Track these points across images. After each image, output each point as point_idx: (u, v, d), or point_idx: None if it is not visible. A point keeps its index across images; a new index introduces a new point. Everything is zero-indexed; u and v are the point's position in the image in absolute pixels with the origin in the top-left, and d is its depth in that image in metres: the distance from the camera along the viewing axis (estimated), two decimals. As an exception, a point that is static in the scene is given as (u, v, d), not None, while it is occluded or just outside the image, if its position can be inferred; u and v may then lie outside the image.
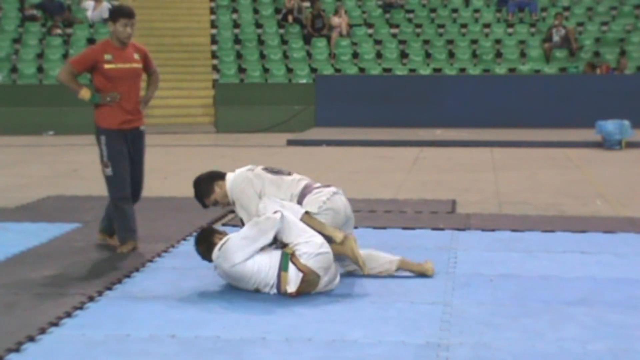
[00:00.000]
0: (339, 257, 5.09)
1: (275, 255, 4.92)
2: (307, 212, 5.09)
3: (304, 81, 18.43)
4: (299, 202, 5.18)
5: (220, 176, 5.41)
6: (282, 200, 5.13)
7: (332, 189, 5.31)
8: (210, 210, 7.62)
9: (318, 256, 4.84)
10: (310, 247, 4.85)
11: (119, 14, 6.00)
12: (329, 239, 5.02)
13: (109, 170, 5.98)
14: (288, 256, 4.88)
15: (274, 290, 4.89)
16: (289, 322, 4.44)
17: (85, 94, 5.93)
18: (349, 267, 5.28)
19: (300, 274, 4.81)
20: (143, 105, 6.20)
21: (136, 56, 6.11)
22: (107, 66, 5.93)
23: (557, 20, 19.19)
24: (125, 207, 6.05)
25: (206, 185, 5.40)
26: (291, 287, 4.83)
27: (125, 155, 6.02)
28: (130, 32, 6.00)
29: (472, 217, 7.47)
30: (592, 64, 18.14)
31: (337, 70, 18.80)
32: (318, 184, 5.36)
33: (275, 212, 4.94)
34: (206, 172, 5.53)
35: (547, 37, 19.08)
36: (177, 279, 5.33)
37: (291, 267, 4.84)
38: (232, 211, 7.67)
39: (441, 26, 20.17)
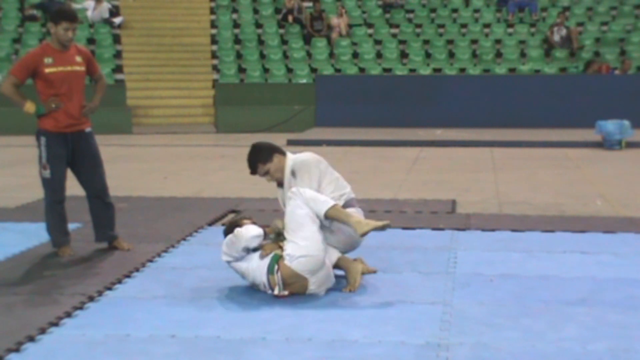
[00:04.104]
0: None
1: (268, 257, 4.94)
2: (333, 206, 5.03)
3: (304, 81, 18.43)
4: (344, 207, 5.23)
5: (281, 151, 5.38)
6: (318, 194, 5.10)
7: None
8: (210, 210, 7.66)
9: (301, 258, 4.83)
10: (294, 249, 4.85)
11: (61, 16, 5.76)
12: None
13: (46, 173, 5.87)
14: (276, 258, 4.89)
15: (269, 291, 4.91)
16: (289, 322, 4.44)
17: (30, 107, 5.78)
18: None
19: (281, 279, 4.85)
20: (87, 112, 5.97)
21: (78, 59, 5.90)
22: (47, 70, 5.75)
23: (559, 19, 19.18)
24: (61, 210, 5.98)
25: (267, 152, 5.33)
26: (277, 290, 4.86)
27: (63, 159, 5.91)
28: (72, 37, 5.79)
29: (472, 217, 7.47)
30: (588, 64, 18.13)
31: (337, 70, 18.80)
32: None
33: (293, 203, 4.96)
34: (267, 142, 5.49)
35: (550, 38, 19.00)
36: (177, 279, 5.33)
37: (277, 271, 4.86)
38: (233, 211, 7.73)
39: (441, 26, 20.17)
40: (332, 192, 5.27)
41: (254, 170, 5.38)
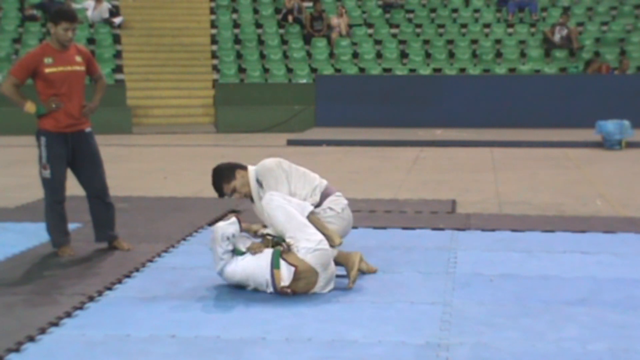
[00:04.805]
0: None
1: (267, 254, 4.94)
2: (312, 211, 5.14)
3: (304, 81, 18.43)
4: (322, 199, 5.36)
5: (242, 166, 5.43)
6: (292, 197, 5.19)
7: (345, 200, 5.54)
8: (210, 210, 7.67)
9: (316, 252, 4.85)
10: (310, 243, 4.87)
11: (61, 16, 5.76)
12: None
13: (47, 173, 5.86)
14: (279, 253, 4.90)
15: (271, 289, 4.90)
16: (289, 322, 4.44)
17: (30, 107, 5.77)
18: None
19: (292, 269, 4.82)
20: (87, 112, 5.96)
21: (78, 58, 5.89)
22: (47, 70, 5.74)
23: (561, 19, 19.16)
24: (61, 210, 5.97)
25: (227, 172, 5.37)
26: (285, 282, 4.84)
27: (64, 159, 5.90)
28: (71, 37, 5.78)
29: (472, 217, 7.46)
30: (588, 63, 18.13)
31: (337, 70, 18.80)
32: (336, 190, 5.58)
33: (277, 204, 5.00)
34: (226, 162, 5.54)
35: (548, 36, 18.96)
36: (177, 279, 5.33)
37: (283, 264, 4.85)
38: (233, 211, 7.73)
39: (441, 26, 20.17)
40: (303, 189, 5.34)
41: (220, 193, 5.42)
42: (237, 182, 5.35)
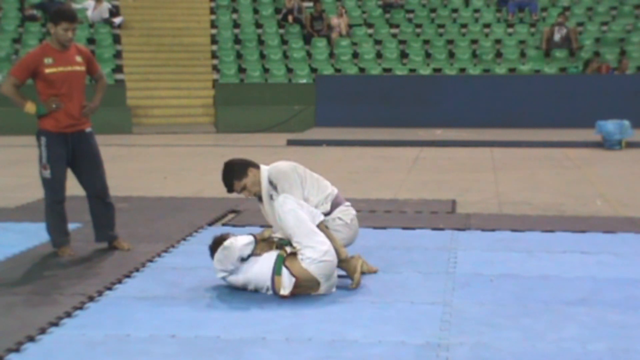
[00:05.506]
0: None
1: (269, 258, 4.92)
2: (322, 221, 5.08)
3: (304, 81, 18.43)
4: (332, 208, 5.34)
5: (255, 165, 5.35)
6: (304, 202, 5.14)
7: (354, 211, 5.53)
8: (210, 210, 7.66)
9: (321, 263, 4.83)
10: (315, 253, 4.83)
11: (60, 16, 5.76)
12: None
13: (47, 173, 5.86)
14: (282, 259, 4.87)
15: (270, 292, 4.90)
16: (289, 322, 4.44)
17: (30, 108, 5.77)
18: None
19: (293, 279, 4.81)
20: (88, 112, 5.96)
21: (78, 58, 5.89)
22: (47, 70, 5.74)
23: (560, 18, 19.16)
24: (61, 210, 5.97)
25: (240, 168, 5.28)
26: (285, 291, 4.83)
27: (64, 159, 5.90)
28: (71, 37, 5.78)
29: (472, 217, 7.47)
30: (587, 63, 18.12)
31: (337, 70, 18.79)
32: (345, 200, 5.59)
33: (290, 207, 4.95)
34: (240, 158, 5.46)
35: (548, 35, 18.97)
36: (177, 279, 5.33)
37: (284, 272, 4.83)
38: (233, 211, 7.73)
39: (441, 26, 20.16)
40: (316, 196, 5.31)
41: (230, 189, 5.34)
42: (248, 181, 5.27)
